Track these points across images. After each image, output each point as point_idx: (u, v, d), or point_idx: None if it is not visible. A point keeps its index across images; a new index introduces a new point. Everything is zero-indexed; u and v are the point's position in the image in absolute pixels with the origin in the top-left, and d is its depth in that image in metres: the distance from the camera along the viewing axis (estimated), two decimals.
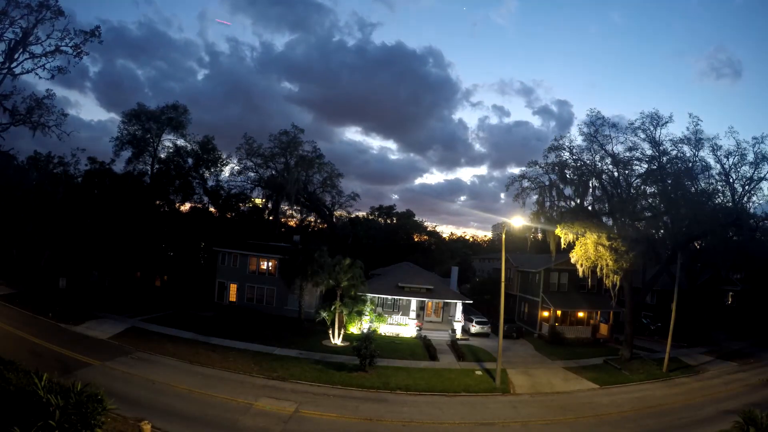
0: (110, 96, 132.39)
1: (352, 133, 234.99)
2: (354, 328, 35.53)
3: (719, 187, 34.60)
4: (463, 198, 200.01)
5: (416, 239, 79.90)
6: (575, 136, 37.01)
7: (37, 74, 35.20)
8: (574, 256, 30.22)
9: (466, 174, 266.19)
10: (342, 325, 32.82)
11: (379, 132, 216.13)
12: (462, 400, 23.50)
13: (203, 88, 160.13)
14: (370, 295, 36.77)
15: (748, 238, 34.09)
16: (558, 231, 30.72)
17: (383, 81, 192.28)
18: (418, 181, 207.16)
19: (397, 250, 64.37)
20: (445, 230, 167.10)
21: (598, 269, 30.09)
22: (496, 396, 24.43)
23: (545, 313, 40.07)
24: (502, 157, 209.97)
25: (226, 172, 61.49)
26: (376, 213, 75.84)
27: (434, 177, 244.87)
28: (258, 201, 64.22)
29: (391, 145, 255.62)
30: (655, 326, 43.85)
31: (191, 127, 56.14)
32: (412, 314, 38.97)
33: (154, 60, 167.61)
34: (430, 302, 42.01)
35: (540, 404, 23.44)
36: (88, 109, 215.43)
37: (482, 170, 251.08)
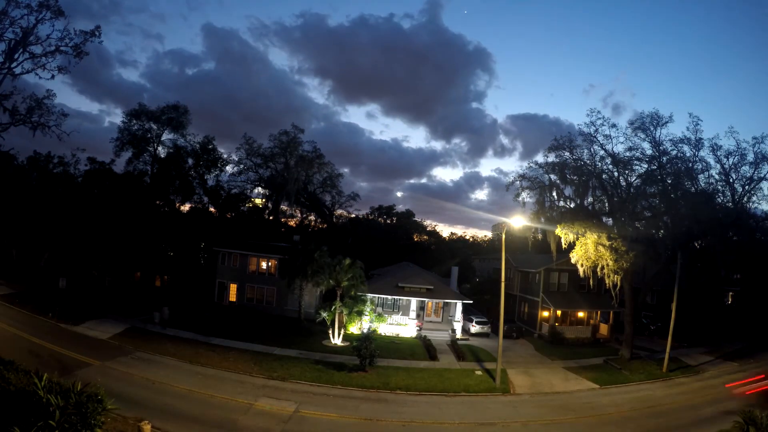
0: (86, 78, 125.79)
1: (371, 113, 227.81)
2: (354, 328, 35.52)
3: (719, 187, 34.49)
4: (480, 194, 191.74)
5: (416, 239, 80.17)
6: (576, 136, 36.76)
7: (37, 74, 35.26)
8: (575, 256, 30.19)
9: (487, 167, 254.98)
10: (342, 325, 32.82)
11: (398, 113, 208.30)
12: (462, 400, 23.51)
13: (196, 66, 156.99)
14: (370, 295, 36.74)
15: (748, 238, 34.10)
16: (558, 231, 30.67)
17: (406, 53, 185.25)
18: (436, 172, 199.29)
19: (397, 250, 64.49)
20: (456, 231, 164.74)
21: (598, 269, 30.05)
22: (496, 396, 24.43)
23: (545, 313, 40.06)
24: (531, 147, 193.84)
25: (228, 169, 61.60)
26: (376, 213, 76.02)
27: (452, 173, 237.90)
28: (258, 201, 64.37)
29: (408, 130, 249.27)
30: (655, 326, 43.82)
31: (192, 115, 56.46)
32: (412, 314, 38.97)
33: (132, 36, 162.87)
34: (430, 302, 42.00)
35: (540, 404, 23.45)
36: (64, 95, 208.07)
37: (506, 163, 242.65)
